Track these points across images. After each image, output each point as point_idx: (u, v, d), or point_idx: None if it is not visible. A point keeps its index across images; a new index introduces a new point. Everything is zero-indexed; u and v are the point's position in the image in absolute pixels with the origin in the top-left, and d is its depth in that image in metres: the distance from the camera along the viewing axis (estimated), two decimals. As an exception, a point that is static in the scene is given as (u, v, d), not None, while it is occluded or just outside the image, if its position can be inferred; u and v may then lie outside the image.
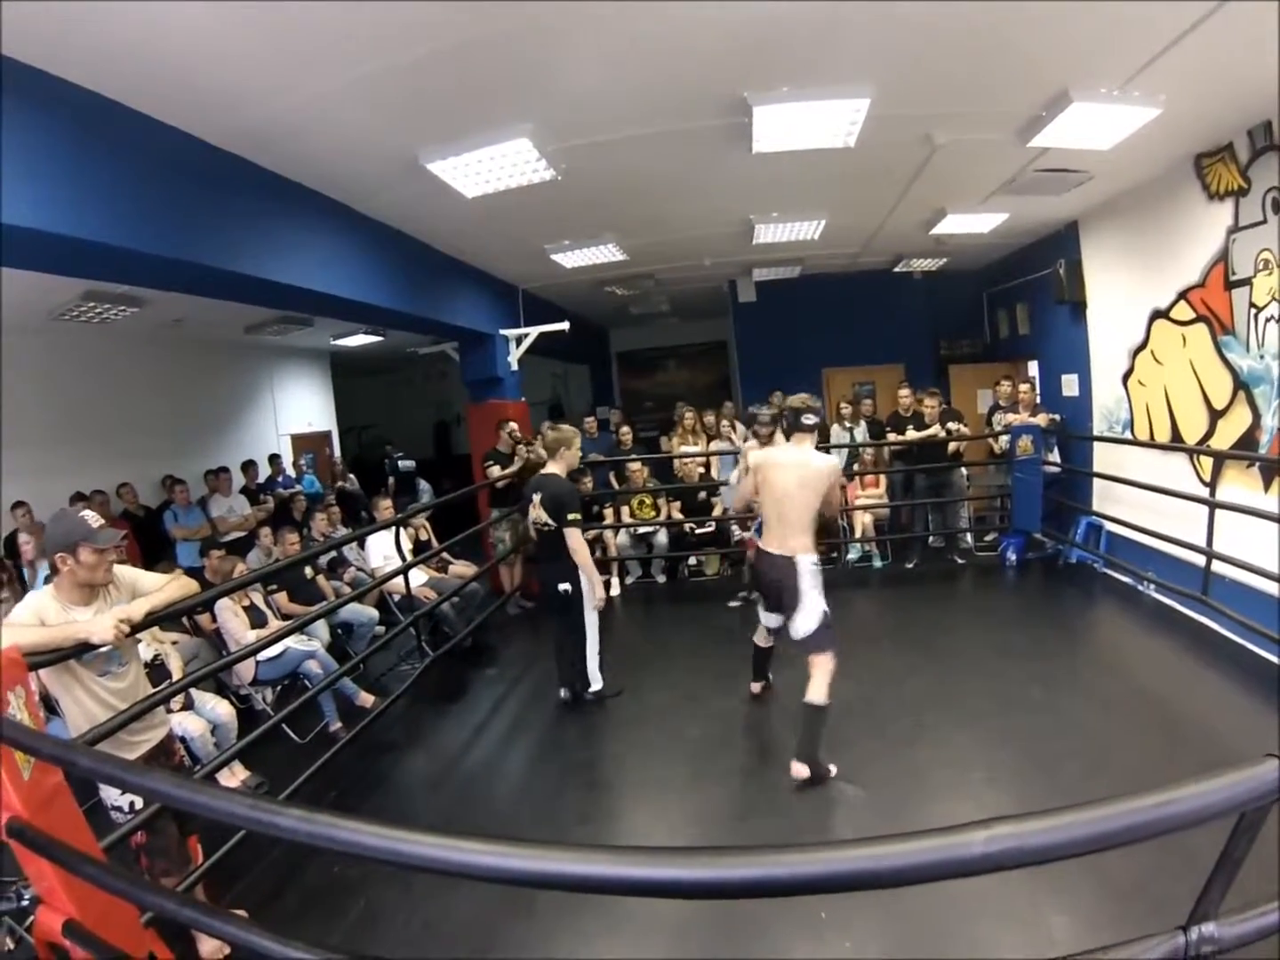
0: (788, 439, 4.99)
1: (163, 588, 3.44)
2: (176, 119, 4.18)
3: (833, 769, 4.55)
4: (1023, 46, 4.30)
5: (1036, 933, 3.14)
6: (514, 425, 8.74)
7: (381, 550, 7.43)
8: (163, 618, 3.47)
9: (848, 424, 9.88)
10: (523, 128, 4.79)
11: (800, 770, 4.47)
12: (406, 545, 7.35)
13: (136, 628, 3.20)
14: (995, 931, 3.20)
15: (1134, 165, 6.54)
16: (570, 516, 5.73)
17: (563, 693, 6.09)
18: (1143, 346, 7.73)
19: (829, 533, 9.33)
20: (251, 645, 5.04)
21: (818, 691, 4.54)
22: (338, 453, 14.52)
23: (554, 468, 5.96)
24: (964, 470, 9.55)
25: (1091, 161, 6.18)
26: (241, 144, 4.66)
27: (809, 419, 4.73)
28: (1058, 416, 8.99)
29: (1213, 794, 1.33)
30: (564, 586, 5.86)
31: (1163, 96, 4.96)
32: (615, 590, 8.81)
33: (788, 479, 4.68)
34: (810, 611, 4.61)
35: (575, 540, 5.76)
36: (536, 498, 5.86)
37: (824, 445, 9.49)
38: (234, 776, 5.00)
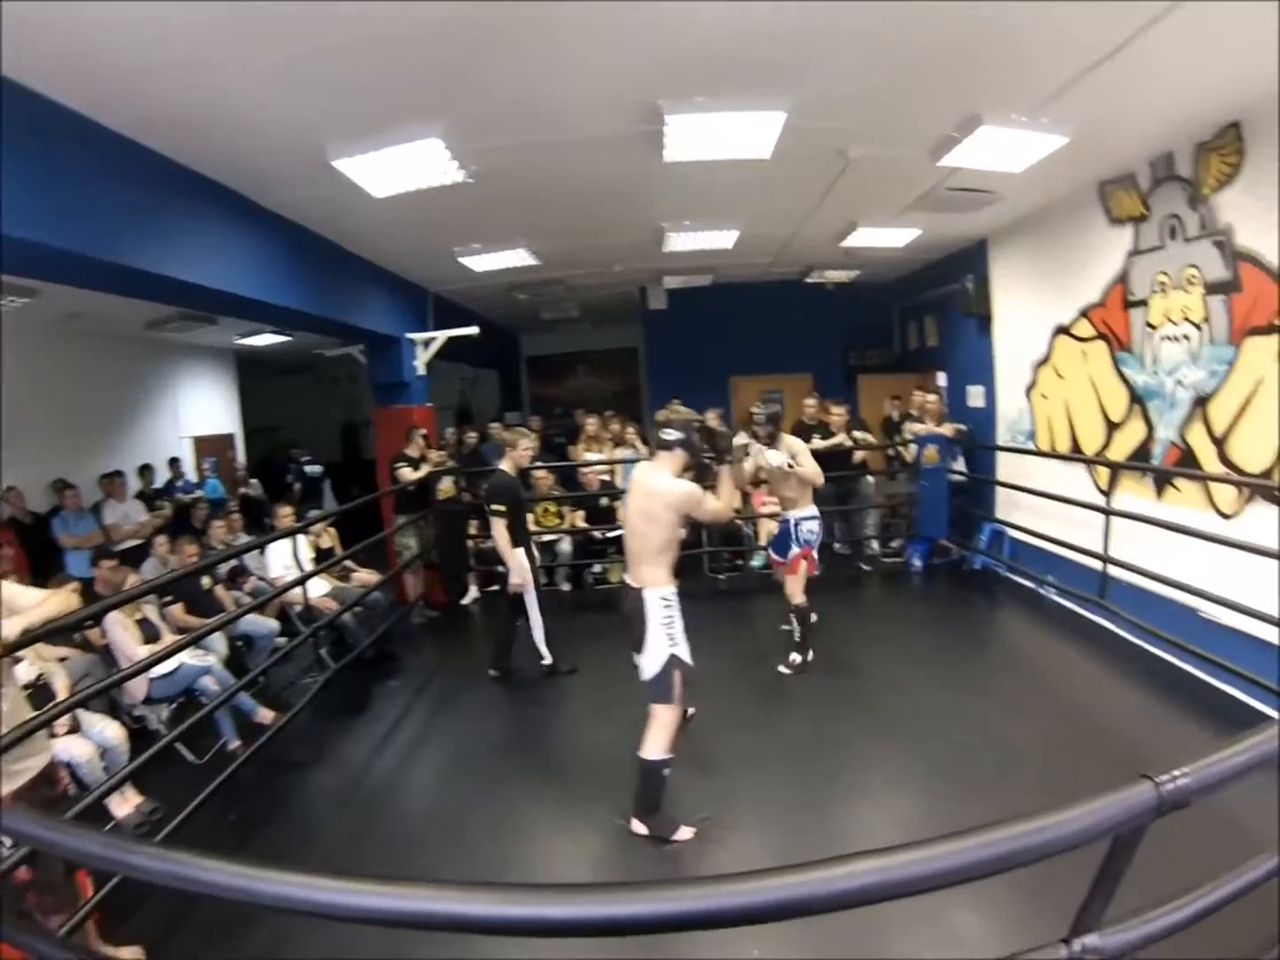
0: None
1: (40, 604, 3.24)
2: (64, 95, 3.90)
3: (684, 832, 4.13)
4: (937, 67, 4.36)
5: (952, 943, 3.15)
6: (424, 431, 8.61)
7: (282, 560, 7.20)
8: (41, 636, 3.28)
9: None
10: (434, 127, 4.68)
11: (637, 826, 4.20)
12: (308, 554, 7.18)
13: (11, 648, 3.02)
14: (910, 940, 3.21)
15: (1041, 188, 6.77)
16: (495, 507, 6.26)
17: (491, 673, 6.61)
18: (1045, 360, 7.98)
19: (733, 540, 9.42)
20: (140, 662, 4.78)
21: (649, 745, 4.16)
22: (241, 456, 14.05)
23: (503, 464, 6.53)
24: (870, 478, 9.66)
25: (1001, 182, 6.32)
26: (136, 127, 4.40)
27: (667, 435, 4.27)
28: (964, 426, 9.15)
29: (1085, 819, 1.33)
30: (501, 568, 6.53)
31: (1071, 125, 5.10)
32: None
33: (633, 503, 4.33)
34: (654, 653, 4.16)
35: (496, 529, 6.29)
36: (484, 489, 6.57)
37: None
38: (126, 802, 4.69)
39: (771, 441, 5.92)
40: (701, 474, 4.48)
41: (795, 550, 6.23)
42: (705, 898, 1.29)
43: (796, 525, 6.21)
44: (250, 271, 5.95)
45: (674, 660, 4.15)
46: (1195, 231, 5.69)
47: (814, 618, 6.34)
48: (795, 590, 6.26)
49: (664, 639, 4.15)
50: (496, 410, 15.91)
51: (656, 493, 4.16)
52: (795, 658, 6.22)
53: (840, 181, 6.39)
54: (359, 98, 4.32)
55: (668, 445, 4.26)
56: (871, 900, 1.25)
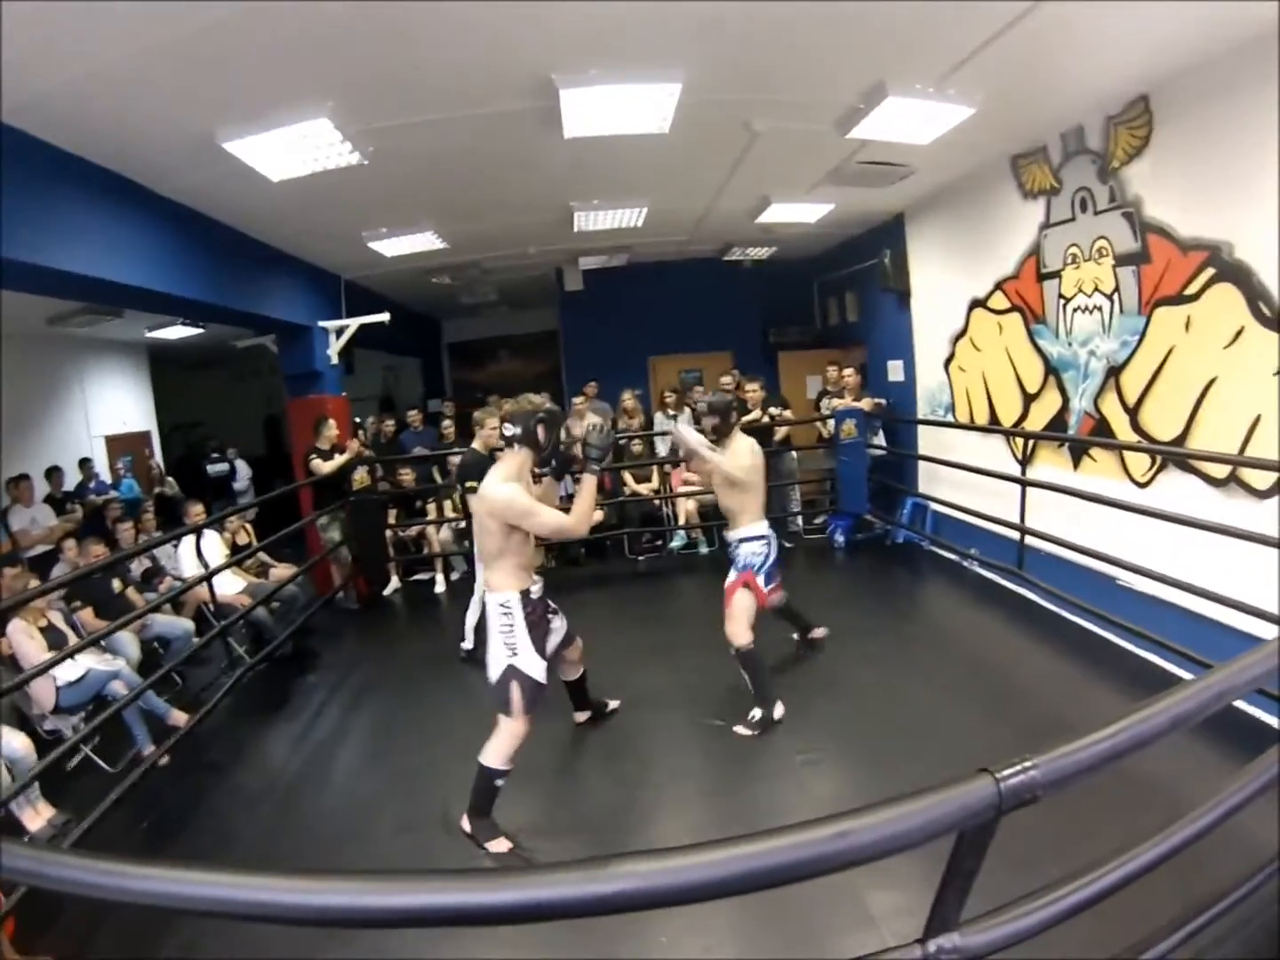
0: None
1: None
2: None
3: (500, 845, 3.91)
4: (839, 35, 4.31)
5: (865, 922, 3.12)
6: (332, 421, 8.38)
7: (192, 558, 6.98)
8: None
9: (671, 412, 9.87)
10: (322, 107, 4.53)
11: (464, 824, 4.02)
12: (221, 551, 7.01)
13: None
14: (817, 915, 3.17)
15: (954, 162, 6.81)
16: (468, 484, 6.00)
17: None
18: (963, 334, 8.04)
19: (652, 521, 9.43)
20: (39, 665, 4.57)
21: (487, 751, 3.95)
22: (158, 454, 13.57)
23: (475, 444, 6.44)
24: (794, 454, 9.65)
25: (913, 156, 6.33)
26: (19, 115, 4.16)
27: (506, 429, 3.97)
28: (883, 401, 9.19)
29: (904, 821, 1.25)
30: (466, 543, 6.85)
31: (979, 96, 5.11)
32: (440, 587, 8.70)
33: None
34: (493, 660, 3.95)
35: (473, 506, 5.98)
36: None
37: (656, 433, 9.52)
38: (39, 815, 4.48)
39: (719, 439, 5.14)
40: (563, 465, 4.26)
41: (732, 576, 5.10)
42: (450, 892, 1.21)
43: (736, 547, 5.13)
44: (148, 262, 5.71)
45: (511, 671, 3.92)
46: (1105, 204, 5.75)
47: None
48: (735, 630, 4.96)
49: (501, 648, 3.93)
50: (420, 397, 15.68)
51: (480, 497, 3.95)
52: (755, 714, 4.89)
53: (748, 156, 6.34)
54: (242, 77, 4.15)
55: (506, 441, 3.99)
56: (634, 907, 1.19)
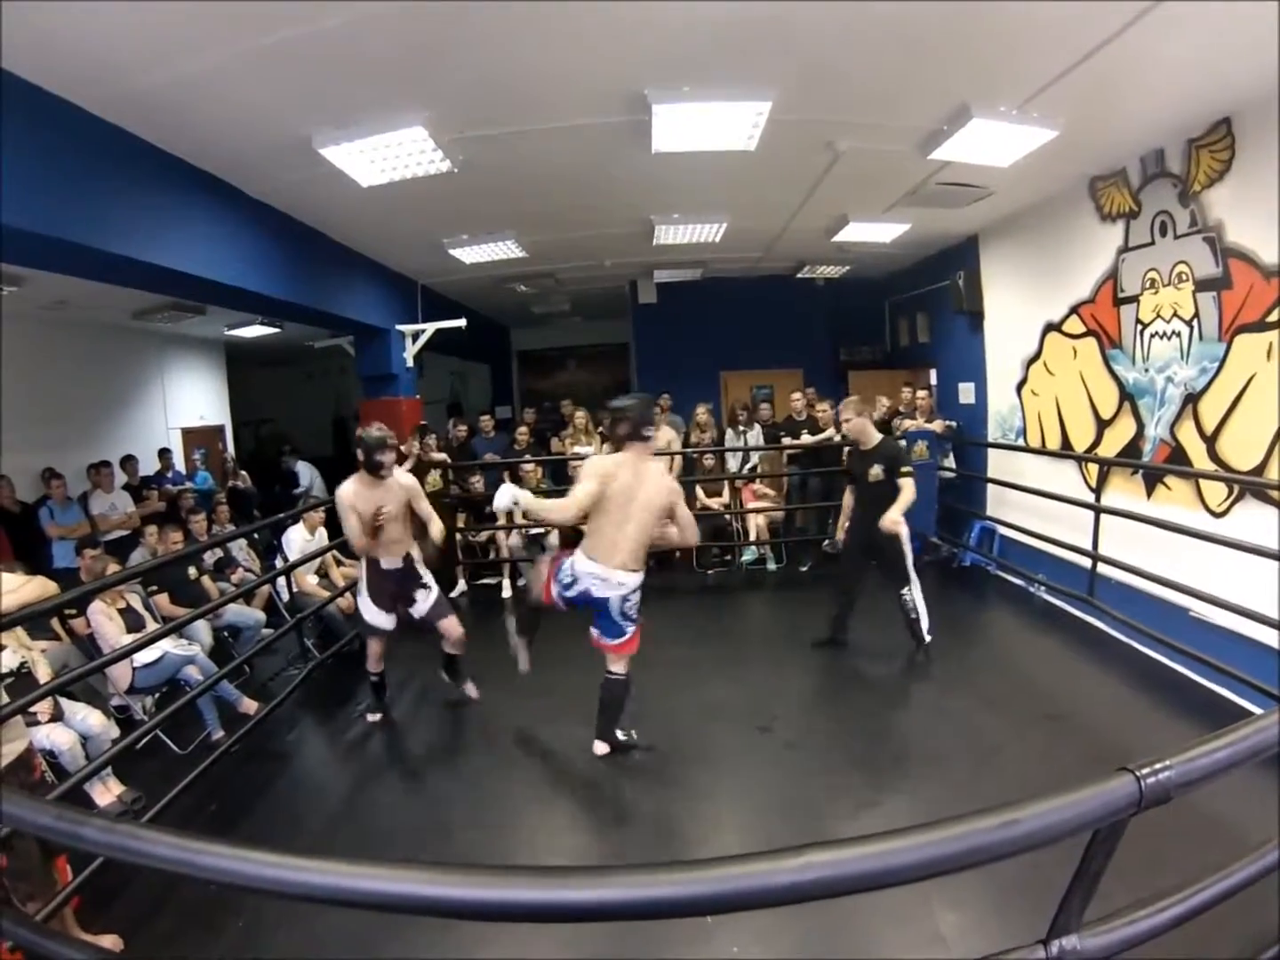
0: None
1: (17, 590, 3.19)
2: (52, 83, 3.87)
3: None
4: (926, 59, 4.34)
5: (935, 941, 3.10)
6: (430, 430, 8.49)
7: (302, 546, 7.16)
8: (18, 620, 3.23)
9: (742, 427, 9.83)
10: (419, 115, 4.65)
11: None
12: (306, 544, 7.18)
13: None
14: (885, 934, 3.17)
15: (1032, 184, 6.75)
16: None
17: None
18: (1036, 357, 7.96)
19: (722, 535, 9.44)
20: (121, 648, 4.67)
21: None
22: (230, 448, 13.90)
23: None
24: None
25: (991, 177, 6.30)
26: (124, 114, 4.36)
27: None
28: (954, 423, 9.14)
29: (1060, 813, 1.29)
30: None
31: (1060, 119, 5.09)
32: (507, 592, 8.81)
33: None
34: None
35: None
36: None
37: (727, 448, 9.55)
38: (109, 792, 4.57)
39: None
40: None
41: None
42: (648, 886, 1.26)
43: None
44: (238, 260, 5.90)
45: None
46: (1186, 228, 5.68)
47: None
48: None
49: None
50: (488, 404, 15.83)
51: None
52: None
53: (830, 175, 6.36)
54: (343, 85, 4.29)
55: None
56: (818, 895, 1.22)
